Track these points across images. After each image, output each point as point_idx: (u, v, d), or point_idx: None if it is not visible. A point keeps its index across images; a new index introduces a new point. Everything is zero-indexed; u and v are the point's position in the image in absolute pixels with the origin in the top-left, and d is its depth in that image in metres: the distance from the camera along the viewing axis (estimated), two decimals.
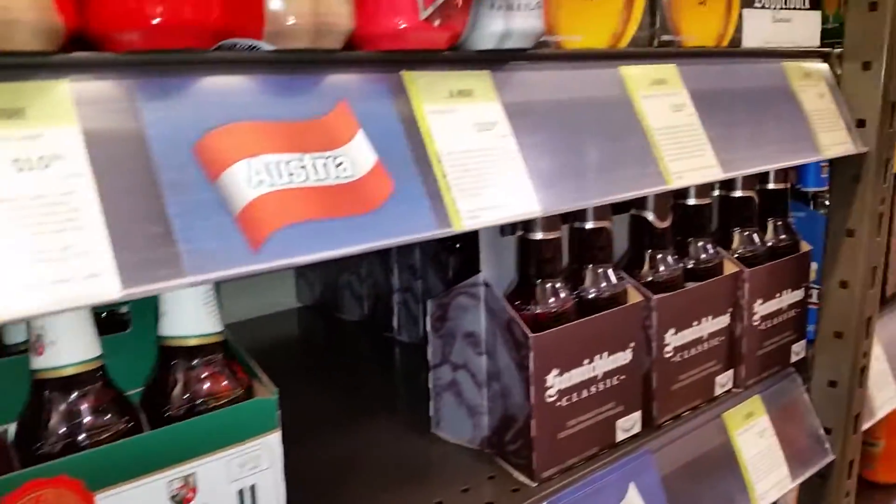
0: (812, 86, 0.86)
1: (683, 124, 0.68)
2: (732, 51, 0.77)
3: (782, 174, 0.93)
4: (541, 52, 0.60)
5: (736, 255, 0.89)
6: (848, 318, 0.93)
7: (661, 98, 0.67)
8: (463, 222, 0.49)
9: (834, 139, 0.85)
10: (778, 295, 0.91)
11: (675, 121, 0.67)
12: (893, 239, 1.20)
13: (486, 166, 0.52)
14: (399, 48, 0.50)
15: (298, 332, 1.17)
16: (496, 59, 0.56)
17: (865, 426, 1.02)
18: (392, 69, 0.50)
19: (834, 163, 0.91)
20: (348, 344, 1.09)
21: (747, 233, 0.90)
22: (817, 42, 0.89)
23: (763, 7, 0.82)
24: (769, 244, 0.93)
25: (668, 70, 0.70)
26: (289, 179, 0.42)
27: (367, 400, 0.89)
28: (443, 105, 0.52)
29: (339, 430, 0.82)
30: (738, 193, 0.89)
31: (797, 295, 0.94)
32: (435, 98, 0.51)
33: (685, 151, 0.67)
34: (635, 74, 0.66)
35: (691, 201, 0.84)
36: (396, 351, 1.05)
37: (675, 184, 0.65)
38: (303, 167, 0.42)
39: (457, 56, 0.54)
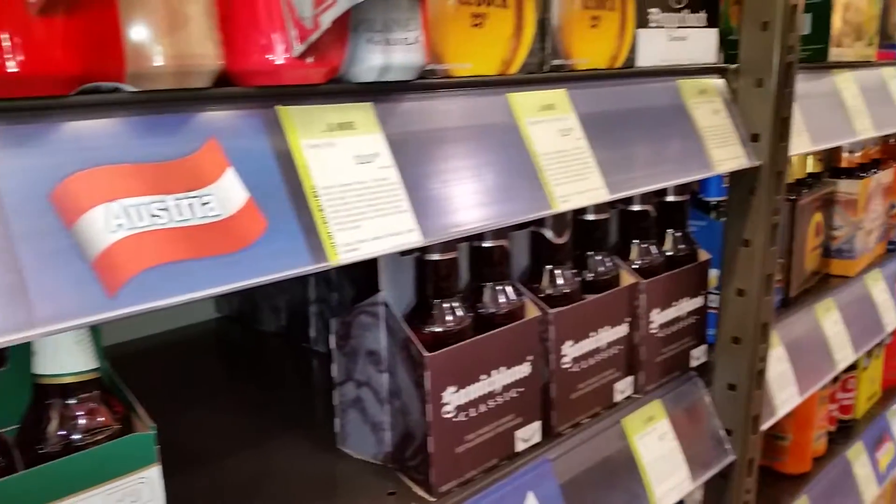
0: (707, 102, 0.89)
1: (571, 148, 0.70)
2: (624, 72, 0.80)
3: (681, 187, 0.97)
4: (426, 82, 0.61)
5: (634, 267, 0.92)
6: (745, 324, 0.97)
7: (548, 123, 0.69)
8: (339, 256, 0.50)
9: (728, 154, 0.88)
10: (675, 303, 0.95)
11: (563, 145, 0.70)
12: (796, 244, 1.25)
13: (365, 198, 0.53)
14: (274, 84, 0.50)
15: (215, 343, 1.16)
16: (379, 91, 0.57)
17: (766, 425, 1.07)
18: (266, 104, 0.51)
19: (731, 175, 0.95)
20: (265, 355, 1.10)
21: (645, 245, 0.93)
22: (714, 58, 0.92)
23: (658, 27, 0.85)
24: (668, 254, 0.97)
25: (558, 95, 0.72)
26: (150, 222, 0.42)
27: (279, 414, 0.90)
28: (321, 139, 0.53)
29: (246, 447, 0.82)
30: (636, 207, 0.92)
31: (696, 302, 0.98)
32: (313, 132, 0.52)
33: (571, 175, 0.69)
34: (523, 101, 0.68)
35: (590, 216, 0.87)
36: (314, 362, 1.06)
37: (561, 207, 0.67)
38: (165, 209, 0.43)
39: (337, 89, 0.55)
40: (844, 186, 1.39)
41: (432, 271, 0.72)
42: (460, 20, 0.65)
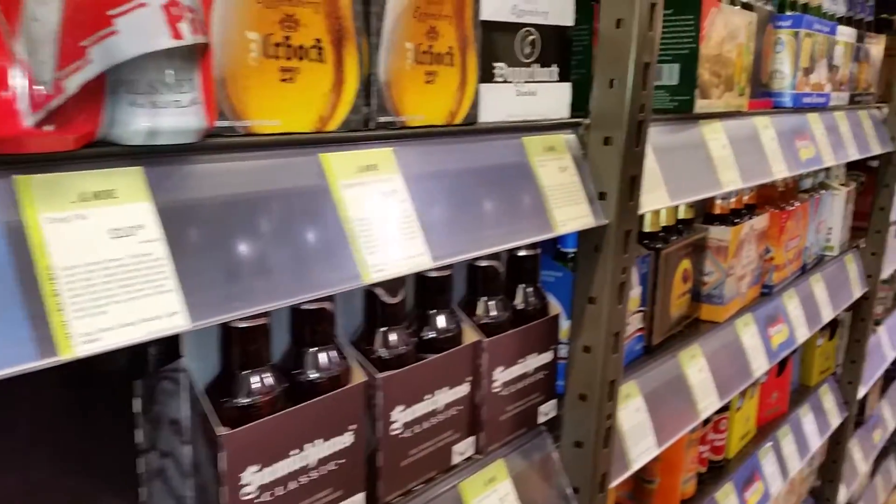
0: (555, 159, 0.87)
1: (393, 211, 0.66)
2: (461, 129, 0.77)
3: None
4: (216, 142, 0.56)
5: (482, 323, 0.89)
6: (591, 381, 0.95)
7: (369, 185, 0.65)
8: (75, 348, 0.45)
9: (572, 213, 0.86)
10: (522, 360, 0.92)
11: (384, 208, 0.66)
12: (660, 292, 1.25)
13: (118, 279, 0.48)
14: (9, 153, 0.45)
15: (41, 395, 1.07)
16: (153, 154, 0.52)
17: (618, 481, 1.06)
18: (2, 174, 0.45)
19: (579, 232, 0.94)
20: (90, 410, 1.01)
21: (492, 300, 0.90)
22: (566, 113, 0.90)
23: (504, 81, 0.82)
24: (518, 309, 0.94)
25: (382, 154, 0.68)
26: None
27: (96, 478, 0.83)
28: (68, 211, 0.47)
29: None
30: (483, 263, 0.89)
31: (545, 357, 0.96)
32: (58, 204, 0.47)
33: (391, 241, 0.65)
34: (338, 161, 0.64)
35: (431, 273, 0.84)
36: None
37: (374, 277, 0.63)
38: None
39: (96, 153, 0.49)
40: (715, 233, 1.41)
41: (238, 339, 0.67)
42: (266, 75, 0.60)
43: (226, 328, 0.66)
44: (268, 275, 0.56)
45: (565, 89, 0.90)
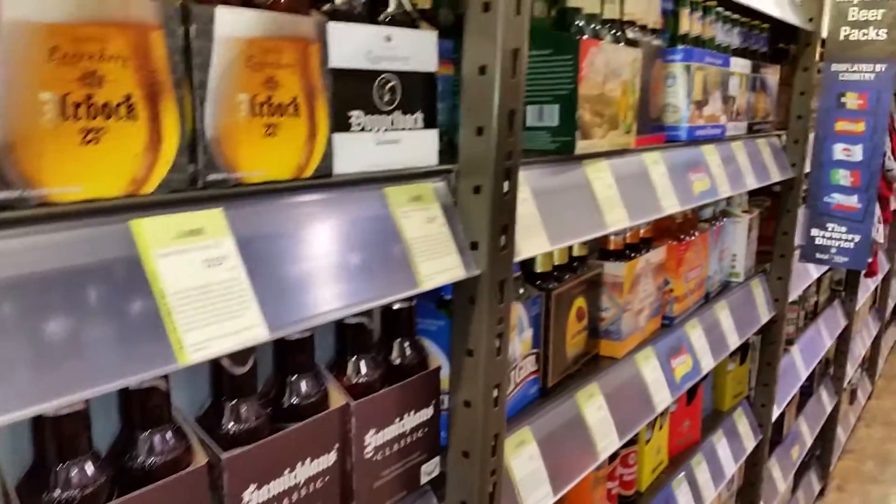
0: (422, 209, 0.83)
1: (220, 281, 0.61)
2: (313, 183, 0.72)
3: None
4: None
5: (351, 384, 0.84)
6: (473, 437, 0.91)
7: (190, 253, 0.60)
8: None
9: (440, 266, 0.82)
10: (398, 420, 0.87)
11: (208, 278, 0.60)
12: (553, 333, 1.23)
13: None
14: None
15: None
16: None
17: None
18: None
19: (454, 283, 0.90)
20: None
21: (363, 359, 0.86)
22: (435, 161, 0.87)
23: (363, 130, 0.78)
24: (395, 364, 0.90)
25: (209, 216, 0.62)
26: None
27: None
28: None
29: None
30: (351, 320, 0.84)
31: (424, 414, 0.91)
32: None
33: (216, 314, 0.60)
34: (152, 227, 0.58)
35: (292, 336, 0.78)
36: None
37: (193, 358, 0.57)
38: None
39: None
40: (610, 269, 1.40)
41: (50, 431, 0.60)
42: (64, 138, 0.54)
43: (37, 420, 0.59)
44: (55, 367, 0.50)
45: (432, 136, 0.86)
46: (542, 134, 1.12)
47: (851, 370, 3.95)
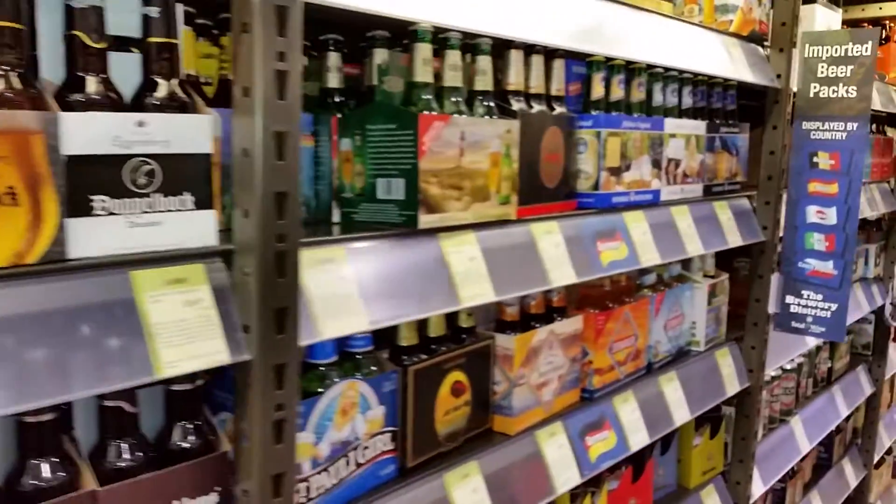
0: (181, 292, 0.82)
1: None
2: (30, 270, 0.72)
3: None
4: None
5: (111, 469, 0.83)
6: None
7: None
8: None
9: (196, 351, 0.80)
10: None
11: None
12: (412, 410, 1.18)
13: None
14: None
15: None
16: None
17: None
18: None
19: (234, 367, 0.87)
20: None
21: (124, 443, 0.84)
22: (212, 241, 0.86)
23: (110, 214, 0.78)
24: (173, 448, 0.88)
25: None
26: None
27: None
28: None
29: None
30: (108, 403, 0.83)
31: (203, 502, 0.89)
32: None
33: None
34: None
35: (28, 419, 0.78)
36: None
37: None
38: None
39: None
40: (501, 341, 1.34)
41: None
42: None
43: None
44: None
45: (206, 217, 0.85)
46: (391, 207, 1.10)
47: (889, 441, 3.67)
